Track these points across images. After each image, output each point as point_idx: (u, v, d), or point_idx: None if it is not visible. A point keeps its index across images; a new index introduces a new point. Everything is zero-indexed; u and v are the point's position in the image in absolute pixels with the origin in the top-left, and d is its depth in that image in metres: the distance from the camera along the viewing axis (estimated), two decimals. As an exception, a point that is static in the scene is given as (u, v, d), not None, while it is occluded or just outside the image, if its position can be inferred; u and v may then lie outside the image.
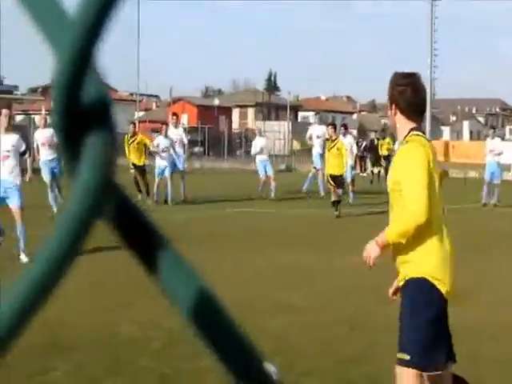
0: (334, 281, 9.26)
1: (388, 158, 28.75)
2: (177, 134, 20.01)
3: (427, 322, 3.82)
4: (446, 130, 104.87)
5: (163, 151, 19.02)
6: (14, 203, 10.04)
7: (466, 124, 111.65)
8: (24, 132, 32.75)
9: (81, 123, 0.44)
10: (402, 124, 4.05)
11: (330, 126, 18.23)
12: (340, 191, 16.99)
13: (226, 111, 75.67)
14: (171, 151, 19.46)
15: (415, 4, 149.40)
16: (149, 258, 0.49)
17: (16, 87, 55.22)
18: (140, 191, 19.32)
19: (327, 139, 18.01)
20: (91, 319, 7.07)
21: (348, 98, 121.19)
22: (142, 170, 19.38)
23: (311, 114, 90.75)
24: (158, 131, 22.04)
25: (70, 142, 0.44)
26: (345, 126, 22.65)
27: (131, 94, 69.86)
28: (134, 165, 19.25)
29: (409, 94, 3.99)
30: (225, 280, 8.48)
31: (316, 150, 22.33)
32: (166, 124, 20.88)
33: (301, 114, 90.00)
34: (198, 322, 0.51)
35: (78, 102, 0.44)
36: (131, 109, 53.19)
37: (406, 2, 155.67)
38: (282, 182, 23.38)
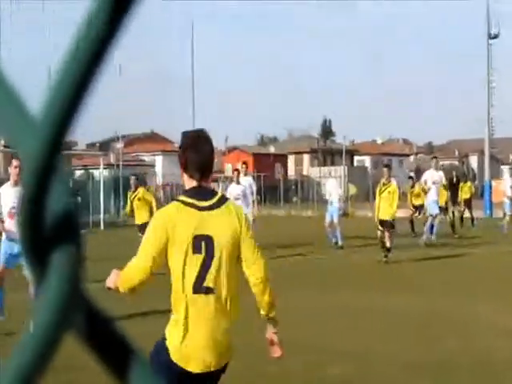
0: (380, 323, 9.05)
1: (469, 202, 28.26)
2: (247, 181, 19.85)
3: None
4: (505, 170, 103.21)
5: (236, 199, 18.19)
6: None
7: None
8: (82, 186, 33.44)
9: (47, 237, 0.44)
10: (186, 182, 3.95)
11: (385, 168, 17.83)
12: (387, 235, 16.67)
13: (282, 158, 76.01)
14: (241, 199, 18.95)
15: (472, 43, 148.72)
16: (120, 370, 0.48)
17: (75, 143, 56.46)
18: None
19: (384, 183, 17.50)
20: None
21: (404, 140, 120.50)
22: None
23: (367, 157, 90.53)
24: (215, 180, 21.96)
25: (37, 256, 0.44)
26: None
27: (187, 145, 70.54)
28: (137, 225, 16.85)
29: (188, 153, 3.91)
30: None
31: (432, 197, 21.41)
32: (236, 171, 19.93)
33: (356, 159, 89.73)
34: None
35: (43, 217, 0.43)
36: (187, 160, 53.77)
37: (462, 40, 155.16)
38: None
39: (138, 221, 16.88)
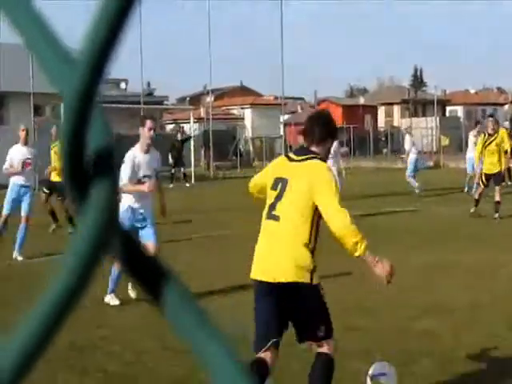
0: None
1: None
2: None
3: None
4: None
5: None
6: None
7: None
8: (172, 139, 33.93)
9: (87, 170, 0.47)
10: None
11: (490, 118, 17.09)
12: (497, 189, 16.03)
13: (372, 110, 75.02)
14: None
15: None
16: (155, 291, 0.51)
17: (166, 97, 57.24)
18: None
19: (484, 133, 16.84)
20: (120, 336, 7.09)
21: (499, 89, 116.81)
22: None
23: (459, 108, 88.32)
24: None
25: (77, 189, 0.47)
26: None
27: (276, 98, 70.68)
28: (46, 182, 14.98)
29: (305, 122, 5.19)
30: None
31: None
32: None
33: (449, 109, 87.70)
34: (201, 351, 0.52)
35: (83, 151, 0.47)
36: (277, 112, 53.83)
37: None
38: (429, 180, 22.96)
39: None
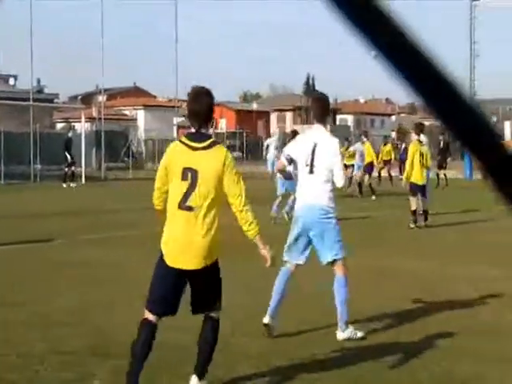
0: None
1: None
2: None
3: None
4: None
5: None
6: None
7: (507, 124, 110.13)
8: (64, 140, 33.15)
9: None
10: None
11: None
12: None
13: (265, 115, 75.70)
14: None
15: (454, 4, 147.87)
16: None
17: (57, 95, 55.86)
18: None
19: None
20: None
21: (387, 100, 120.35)
22: None
23: (349, 116, 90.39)
24: None
25: None
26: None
27: (170, 100, 70.28)
28: None
29: (189, 104, 5.13)
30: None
31: None
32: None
33: (339, 117, 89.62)
34: None
35: None
36: (170, 114, 53.53)
37: (444, 2, 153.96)
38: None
39: None
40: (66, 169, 30.85)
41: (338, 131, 71.76)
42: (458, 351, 6.34)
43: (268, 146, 30.22)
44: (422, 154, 15.39)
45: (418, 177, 15.42)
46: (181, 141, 5.12)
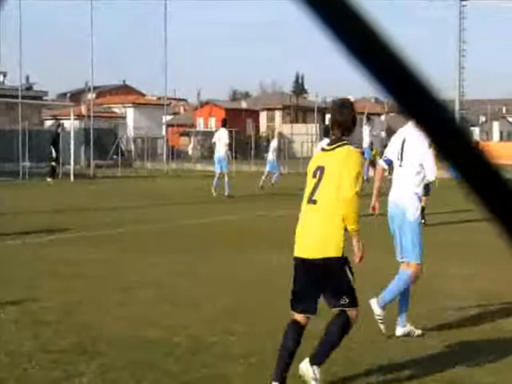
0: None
1: None
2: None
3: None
4: (475, 131, 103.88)
5: None
6: None
7: (495, 125, 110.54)
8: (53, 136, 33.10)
9: None
10: None
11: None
12: None
13: (254, 114, 75.69)
14: None
15: (442, 4, 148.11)
16: None
17: (46, 93, 55.67)
18: None
19: None
20: (118, 324, 7.14)
21: (376, 99, 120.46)
22: None
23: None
24: (186, 134, 23.47)
25: None
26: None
27: (159, 98, 70.22)
28: None
29: (332, 114, 5.76)
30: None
31: None
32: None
33: (328, 116, 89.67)
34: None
35: None
36: (160, 113, 53.45)
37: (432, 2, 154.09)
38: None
39: None
40: (53, 163, 31.57)
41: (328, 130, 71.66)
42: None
43: (269, 146, 31.21)
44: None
45: None
46: (321, 147, 6.02)
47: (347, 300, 5.27)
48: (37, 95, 49.53)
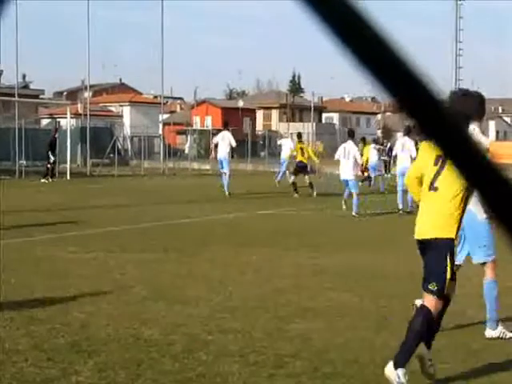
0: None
1: None
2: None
3: None
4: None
5: None
6: None
7: (492, 124, 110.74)
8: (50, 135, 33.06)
9: None
10: None
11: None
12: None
13: (250, 113, 75.71)
14: None
15: (440, 3, 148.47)
16: None
17: (42, 91, 55.62)
18: None
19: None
20: (114, 323, 7.14)
21: (373, 98, 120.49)
22: None
23: (335, 115, 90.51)
24: (183, 133, 23.72)
25: None
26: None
27: (155, 97, 70.13)
28: None
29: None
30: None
31: None
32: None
33: (325, 116, 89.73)
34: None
35: None
36: (156, 111, 53.41)
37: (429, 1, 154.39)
38: (304, 183, 23.50)
39: None
40: (49, 165, 31.38)
41: (324, 129, 71.88)
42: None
43: (281, 145, 30.70)
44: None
45: None
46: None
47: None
48: (33, 94, 49.49)
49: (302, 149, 24.39)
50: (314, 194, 23.75)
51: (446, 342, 6.29)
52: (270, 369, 5.77)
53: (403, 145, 18.80)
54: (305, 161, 24.17)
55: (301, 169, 24.09)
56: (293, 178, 24.09)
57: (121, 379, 5.50)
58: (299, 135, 25.92)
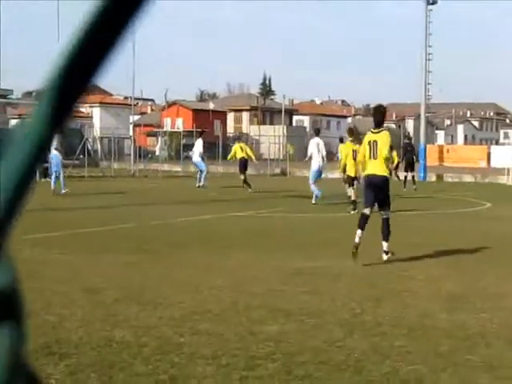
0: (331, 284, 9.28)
1: None
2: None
3: None
4: (440, 134, 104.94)
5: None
6: None
7: (460, 128, 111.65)
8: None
9: None
10: None
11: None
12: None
13: (221, 115, 75.68)
14: None
15: (410, 5, 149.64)
16: None
17: (11, 91, 55.06)
18: None
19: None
20: (85, 325, 7.09)
21: (343, 102, 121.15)
22: None
23: (306, 117, 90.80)
24: (153, 135, 23.99)
25: None
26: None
27: (126, 98, 69.82)
28: None
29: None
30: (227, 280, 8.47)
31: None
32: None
33: (295, 118, 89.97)
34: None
35: None
36: (126, 113, 53.17)
37: (401, 2, 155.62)
38: (276, 186, 23.53)
39: None
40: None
41: (295, 132, 72.02)
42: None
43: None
44: (354, 151, 18.72)
45: (351, 170, 19.30)
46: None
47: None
48: (1, 94, 48.98)
49: (241, 147, 27.92)
50: (249, 190, 25.88)
51: (415, 344, 6.31)
52: (242, 371, 5.77)
53: (318, 144, 21.85)
54: (246, 156, 27.57)
55: (243, 164, 27.48)
56: (242, 176, 27.07)
57: (92, 382, 5.47)
58: (238, 138, 32.76)
